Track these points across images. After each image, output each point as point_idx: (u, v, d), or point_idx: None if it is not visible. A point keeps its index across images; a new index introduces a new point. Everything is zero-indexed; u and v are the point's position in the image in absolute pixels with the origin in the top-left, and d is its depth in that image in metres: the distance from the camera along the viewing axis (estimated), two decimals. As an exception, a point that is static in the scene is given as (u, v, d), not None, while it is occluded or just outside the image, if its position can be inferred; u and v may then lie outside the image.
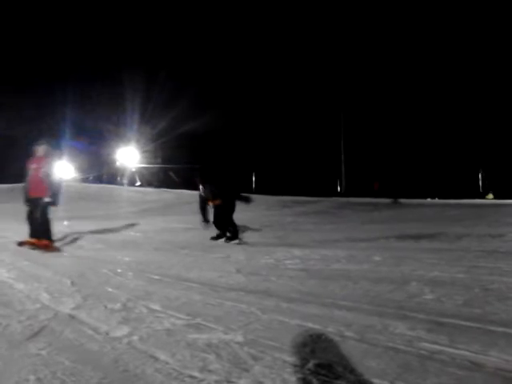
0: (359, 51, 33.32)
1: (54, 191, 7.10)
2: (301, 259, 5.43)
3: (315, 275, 4.48)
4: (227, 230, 7.88)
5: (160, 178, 34.92)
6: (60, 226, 10.69)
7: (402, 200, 19.47)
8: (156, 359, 2.34)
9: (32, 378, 2.15)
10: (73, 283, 4.30)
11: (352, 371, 2.12)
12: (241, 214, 8.31)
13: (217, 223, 8.06)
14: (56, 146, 7.95)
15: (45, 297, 3.77)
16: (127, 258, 5.93)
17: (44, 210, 7.02)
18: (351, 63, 33.23)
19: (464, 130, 29.68)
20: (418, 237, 7.57)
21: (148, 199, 22.50)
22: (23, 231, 7.25)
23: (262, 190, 25.24)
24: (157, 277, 4.59)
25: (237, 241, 7.61)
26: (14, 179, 27.09)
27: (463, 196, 21.65)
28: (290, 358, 2.28)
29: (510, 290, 3.53)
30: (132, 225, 11.07)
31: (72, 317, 3.17)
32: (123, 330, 2.82)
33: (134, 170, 35.64)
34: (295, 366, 2.20)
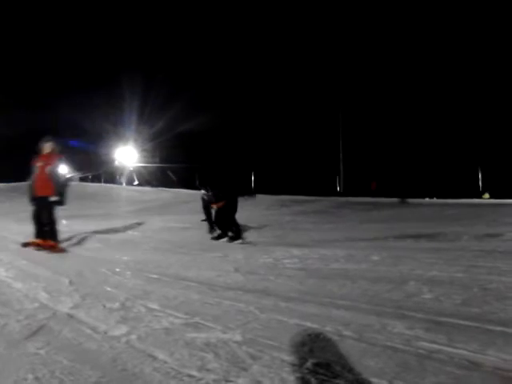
0: (358, 51, 33.35)
1: (61, 190, 6.88)
2: (299, 258, 5.43)
3: (314, 274, 4.48)
4: (230, 229, 7.82)
5: (158, 178, 34.90)
6: (58, 226, 10.68)
7: (410, 200, 19.42)
8: (154, 358, 2.34)
9: (30, 377, 2.14)
10: (71, 282, 4.30)
11: (350, 370, 2.12)
12: (239, 213, 8.30)
13: (218, 223, 8.00)
14: (62, 142, 7.68)
15: (43, 296, 3.77)
16: (125, 258, 5.93)
17: (50, 209, 6.80)
18: (350, 63, 33.25)
19: (462, 129, 29.71)
20: (416, 236, 7.58)
21: (146, 198, 22.49)
22: (22, 231, 7.26)
23: (261, 189, 25.21)
24: (155, 276, 4.59)
25: (240, 240, 7.54)
26: (13, 179, 27.08)
27: (462, 195, 21.65)
28: (289, 357, 2.28)
29: (508, 289, 3.53)
30: (130, 224, 11.07)
31: (70, 316, 3.17)
32: (122, 329, 2.81)
33: (131, 169, 35.62)
34: (294, 365, 2.20)
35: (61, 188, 6.88)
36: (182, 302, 3.50)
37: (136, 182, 34.00)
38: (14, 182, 26.96)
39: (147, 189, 27.93)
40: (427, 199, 22.28)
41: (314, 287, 3.94)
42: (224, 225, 7.92)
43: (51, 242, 6.71)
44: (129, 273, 4.82)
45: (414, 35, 32.19)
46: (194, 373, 2.15)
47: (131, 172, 35.53)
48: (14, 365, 2.29)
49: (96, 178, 33.49)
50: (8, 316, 3.16)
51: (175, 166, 33.68)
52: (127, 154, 35.46)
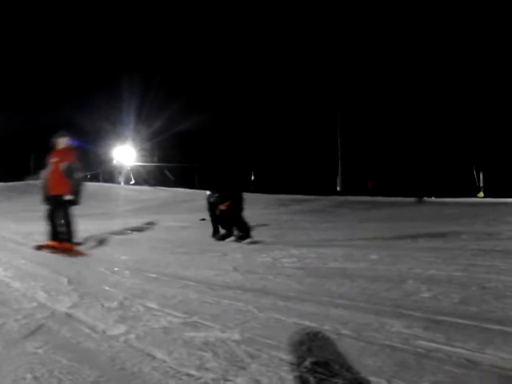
0: (356, 51, 33.36)
1: (76, 188, 6.46)
2: (298, 258, 5.43)
3: (312, 273, 4.48)
4: (238, 228, 7.67)
5: (156, 177, 34.88)
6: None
7: (427, 199, 19.41)
8: (153, 357, 2.33)
9: (29, 376, 2.14)
10: (69, 282, 4.29)
11: (349, 369, 2.12)
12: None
13: (223, 223, 7.89)
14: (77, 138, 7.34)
15: (41, 295, 3.76)
16: (124, 257, 5.93)
17: (66, 209, 6.40)
18: (348, 63, 33.27)
19: (460, 129, 29.76)
20: (415, 235, 7.58)
21: (144, 198, 22.48)
22: (20, 230, 7.22)
23: (260, 188, 25.23)
24: (153, 275, 4.59)
25: (249, 239, 7.42)
26: (11, 178, 27.05)
27: (457, 195, 21.71)
28: (287, 356, 2.28)
29: (507, 288, 3.54)
30: (128, 223, 11.06)
31: (69, 315, 3.17)
32: (120, 329, 2.81)
33: (129, 168, 35.58)
34: (292, 364, 2.20)
35: (76, 186, 6.47)
36: (181, 301, 3.50)
37: (132, 182, 33.96)
38: (12, 181, 26.95)
39: (145, 188, 27.92)
40: (425, 198, 22.25)
41: (313, 286, 3.94)
42: (230, 224, 7.80)
43: (67, 245, 6.33)
44: (127, 272, 4.82)
45: (412, 35, 32.25)
46: (193, 372, 2.14)
47: (129, 171, 35.50)
48: (12, 364, 2.28)
49: (94, 177, 33.46)
50: (6, 315, 3.15)
51: (173, 166, 33.70)
52: (125, 153, 35.42)
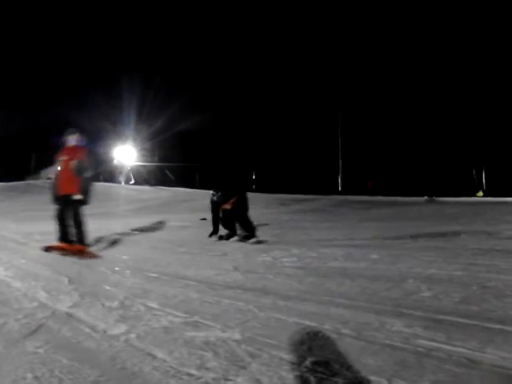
0: (357, 51, 33.35)
1: (86, 187, 6.21)
2: (298, 257, 5.43)
3: (312, 273, 4.48)
4: (243, 228, 7.58)
5: (156, 177, 34.90)
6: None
7: (438, 198, 19.39)
8: (153, 357, 2.34)
9: (29, 376, 2.14)
10: (70, 281, 4.29)
11: (349, 368, 2.12)
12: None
13: (226, 223, 7.81)
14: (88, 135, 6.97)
15: (42, 295, 3.76)
16: (124, 256, 5.92)
17: (76, 209, 6.14)
18: (349, 63, 33.26)
19: (460, 128, 29.75)
20: (415, 234, 7.58)
21: (145, 197, 22.48)
22: (21, 230, 7.21)
23: (261, 188, 25.23)
24: (154, 275, 4.59)
25: (255, 239, 7.34)
26: (12, 178, 27.07)
27: (457, 194, 21.70)
28: (288, 356, 2.28)
29: (507, 287, 3.54)
30: (129, 223, 11.06)
31: (69, 315, 3.17)
32: (121, 328, 2.81)
33: (129, 168, 35.60)
34: (292, 363, 2.20)
35: (86, 185, 6.22)
36: (181, 300, 3.50)
37: (132, 181, 33.96)
38: (13, 181, 26.97)
39: (146, 188, 27.93)
40: (426, 197, 22.25)
41: (313, 286, 3.94)
42: (233, 224, 7.72)
43: (79, 246, 6.08)
44: (128, 272, 4.82)
45: (412, 35, 32.25)
46: (193, 371, 2.15)
47: (129, 171, 35.52)
48: (12, 364, 2.28)
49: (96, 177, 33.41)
50: (7, 315, 3.15)
51: (174, 165, 33.71)
52: (126, 153, 35.43)
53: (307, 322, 2.81)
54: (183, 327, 2.80)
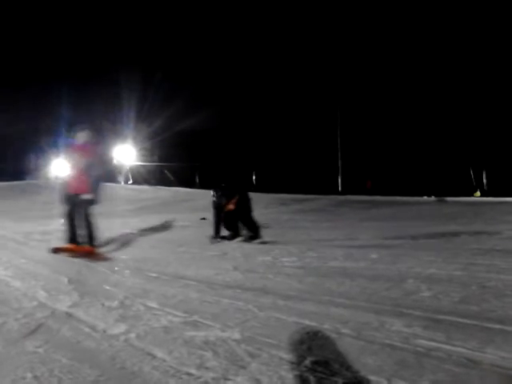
0: (356, 50, 33.37)
1: (96, 186, 6.01)
2: (298, 257, 5.43)
3: (312, 273, 4.48)
4: (248, 228, 7.48)
5: (156, 176, 34.89)
6: (57, 225, 10.68)
7: (448, 198, 19.37)
8: (153, 357, 2.34)
9: (29, 375, 2.14)
10: (70, 281, 4.29)
11: (349, 368, 2.12)
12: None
13: (228, 225, 7.63)
14: (100, 131, 6.63)
15: (42, 294, 3.76)
16: (124, 256, 5.92)
17: (86, 209, 5.93)
18: (348, 62, 33.27)
19: (458, 128, 29.76)
20: (414, 234, 7.58)
21: (144, 197, 22.47)
22: (20, 229, 7.20)
23: (261, 188, 25.24)
24: (154, 274, 4.59)
25: (260, 240, 7.24)
26: (11, 177, 27.07)
27: (455, 194, 21.70)
28: (287, 355, 2.29)
29: (507, 287, 3.54)
30: (129, 222, 11.05)
31: (69, 315, 3.17)
32: (120, 328, 2.81)
33: (128, 168, 35.58)
34: (292, 363, 2.20)
35: (96, 184, 6.02)
36: (181, 300, 3.50)
37: (130, 181, 33.93)
38: (13, 180, 26.97)
39: (145, 187, 27.90)
40: (425, 197, 22.27)
41: (313, 285, 3.94)
42: (236, 225, 7.59)
43: (88, 248, 5.88)
44: (127, 271, 4.82)
45: (411, 34, 32.22)
46: (193, 371, 2.15)
47: (127, 171, 35.50)
48: (12, 363, 2.29)
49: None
50: (6, 315, 3.16)
51: (173, 165, 33.71)
52: (125, 153, 35.41)
53: (307, 322, 2.81)
54: (183, 327, 2.80)
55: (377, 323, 2.75)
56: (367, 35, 33.27)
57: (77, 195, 5.94)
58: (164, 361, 2.28)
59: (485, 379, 1.99)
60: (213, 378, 2.07)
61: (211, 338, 2.57)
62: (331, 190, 28.50)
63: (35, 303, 3.49)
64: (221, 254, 5.92)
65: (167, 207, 18.09)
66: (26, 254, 6.21)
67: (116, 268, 5.01)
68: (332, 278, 4.15)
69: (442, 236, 7.39)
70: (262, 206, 16.21)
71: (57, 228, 8.34)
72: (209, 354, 2.34)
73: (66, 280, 4.33)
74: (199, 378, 2.08)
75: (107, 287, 4.03)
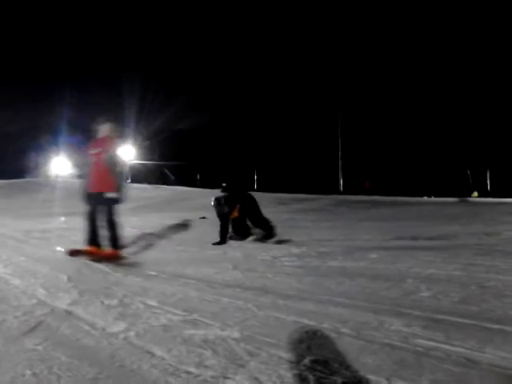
0: (357, 50, 33.36)
1: (120, 184, 5.57)
2: (298, 256, 5.43)
3: (312, 272, 4.48)
4: (261, 228, 7.36)
5: (156, 175, 34.87)
6: (56, 223, 10.68)
7: (469, 199, 19.40)
8: (152, 355, 2.34)
9: (28, 372, 2.14)
10: (69, 279, 4.29)
11: (348, 367, 2.12)
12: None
13: (236, 230, 7.43)
14: (120, 125, 5.79)
15: (41, 292, 3.76)
16: (123, 255, 5.91)
17: (110, 208, 5.48)
18: (349, 63, 33.28)
19: (456, 129, 29.79)
20: (414, 234, 7.58)
21: (144, 196, 22.45)
22: (20, 227, 7.19)
23: (261, 187, 25.26)
24: (153, 273, 4.59)
25: (274, 239, 7.14)
26: (12, 175, 27.07)
27: (452, 194, 21.71)
28: (286, 355, 2.28)
29: (506, 287, 3.54)
30: (128, 221, 11.04)
31: (68, 312, 3.17)
32: (120, 326, 2.81)
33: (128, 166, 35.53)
34: (291, 362, 2.20)
35: (120, 181, 5.59)
36: (181, 298, 3.50)
37: (129, 181, 33.90)
38: (13, 178, 26.98)
39: (145, 186, 27.90)
40: (425, 198, 22.28)
41: (312, 285, 3.94)
42: (244, 229, 7.42)
43: (111, 251, 5.47)
44: (127, 270, 4.81)
45: (411, 34, 32.27)
46: (192, 369, 2.15)
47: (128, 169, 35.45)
48: (11, 361, 2.29)
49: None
50: (6, 312, 3.16)
51: (173, 164, 33.71)
52: (125, 152, 35.38)
53: (306, 321, 2.81)
54: (182, 325, 2.80)
55: (376, 323, 2.75)
56: (368, 36, 33.28)
57: (100, 194, 5.49)
58: (163, 359, 2.28)
59: (484, 379, 1.99)
60: (212, 377, 2.07)
61: (210, 337, 2.57)
62: (331, 189, 28.51)
63: (34, 301, 3.49)
64: (221, 253, 5.92)
65: (167, 206, 18.10)
66: (25, 251, 6.21)
67: (115, 266, 5.00)
68: (331, 278, 4.15)
69: (441, 236, 7.39)
70: (262, 206, 16.20)
71: (57, 226, 8.35)
72: (208, 353, 2.34)
73: (65, 278, 4.33)
74: (198, 376, 2.08)
75: (107, 285, 4.03)
